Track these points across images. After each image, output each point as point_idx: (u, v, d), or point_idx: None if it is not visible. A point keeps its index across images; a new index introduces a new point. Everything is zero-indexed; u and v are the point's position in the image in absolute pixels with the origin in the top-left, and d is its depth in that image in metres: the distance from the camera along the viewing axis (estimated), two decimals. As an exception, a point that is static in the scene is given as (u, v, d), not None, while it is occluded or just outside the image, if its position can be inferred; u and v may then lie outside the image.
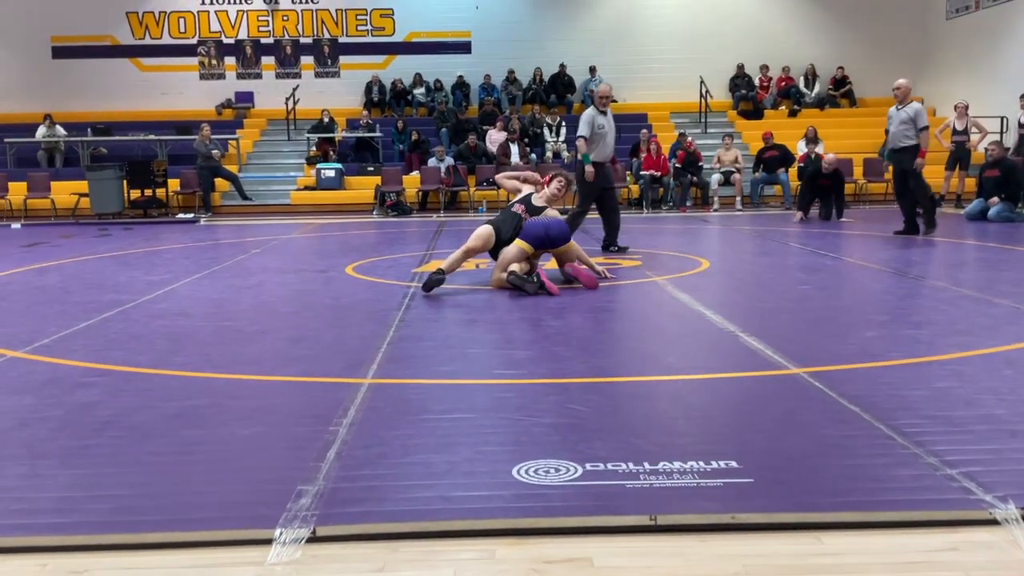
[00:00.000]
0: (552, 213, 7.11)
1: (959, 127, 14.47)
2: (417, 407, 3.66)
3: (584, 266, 6.95)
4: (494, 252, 6.92)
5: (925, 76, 19.37)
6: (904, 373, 4.13)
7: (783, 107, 19.13)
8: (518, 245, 6.75)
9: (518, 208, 7.06)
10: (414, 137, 17.22)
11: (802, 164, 14.17)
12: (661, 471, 2.87)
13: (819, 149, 15.47)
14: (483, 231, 6.86)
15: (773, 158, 15.18)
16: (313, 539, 2.47)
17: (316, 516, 2.57)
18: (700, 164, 15.66)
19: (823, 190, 12.56)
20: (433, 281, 6.50)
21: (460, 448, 3.14)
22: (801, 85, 19.24)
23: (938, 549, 2.41)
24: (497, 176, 7.65)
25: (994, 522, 2.53)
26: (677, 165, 15.57)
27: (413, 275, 7.63)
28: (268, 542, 2.45)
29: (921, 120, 9.96)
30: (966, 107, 14.54)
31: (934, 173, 14.52)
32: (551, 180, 7.20)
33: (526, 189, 7.24)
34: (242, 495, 2.75)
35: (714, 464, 2.92)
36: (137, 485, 2.85)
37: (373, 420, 3.48)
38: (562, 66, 19.11)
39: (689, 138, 16.11)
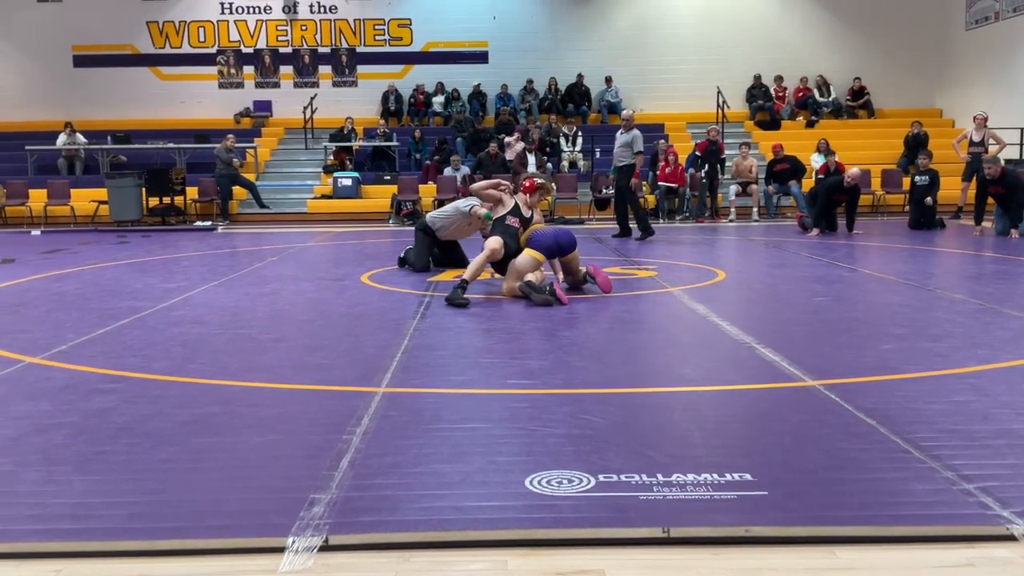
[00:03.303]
0: (539, 219, 7.33)
1: (976, 138, 14.33)
2: (431, 416, 3.66)
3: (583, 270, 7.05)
4: (502, 264, 6.96)
5: (944, 87, 19.29)
6: (921, 386, 4.10)
7: (800, 117, 19.08)
8: (530, 255, 6.79)
9: (512, 221, 7.14)
10: (437, 146, 17.30)
11: (822, 176, 14.06)
12: (674, 483, 2.85)
13: (835, 159, 15.43)
14: (496, 241, 6.90)
15: (784, 171, 15.09)
16: (325, 548, 2.47)
17: (329, 525, 2.57)
18: (722, 157, 15.50)
19: (838, 204, 12.39)
20: (459, 303, 6.42)
21: (473, 458, 3.14)
22: (817, 95, 19.19)
23: (954, 565, 2.39)
24: (473, 187, 7.65)
25: (1012, 538, 2.50)
26: (698, 154, 15.46)
27: (428, 284, 7.65)
28: (281, 550, 2.45)
29: (636, 145, 11.54)
30: (985, 119, 14.42)
31: (951, 184, 14.47)
32: (533, 186, 7.34)
33: (507, 199, 7.28)
34: (255, 503, 2.76)
35: (728, 477, 2.91)
36: (151, 492, 2.87)
37: (387, 429, 3.49)
38: (579, 76, 19.16)
39: (715, 127, 15.94)
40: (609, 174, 13.54)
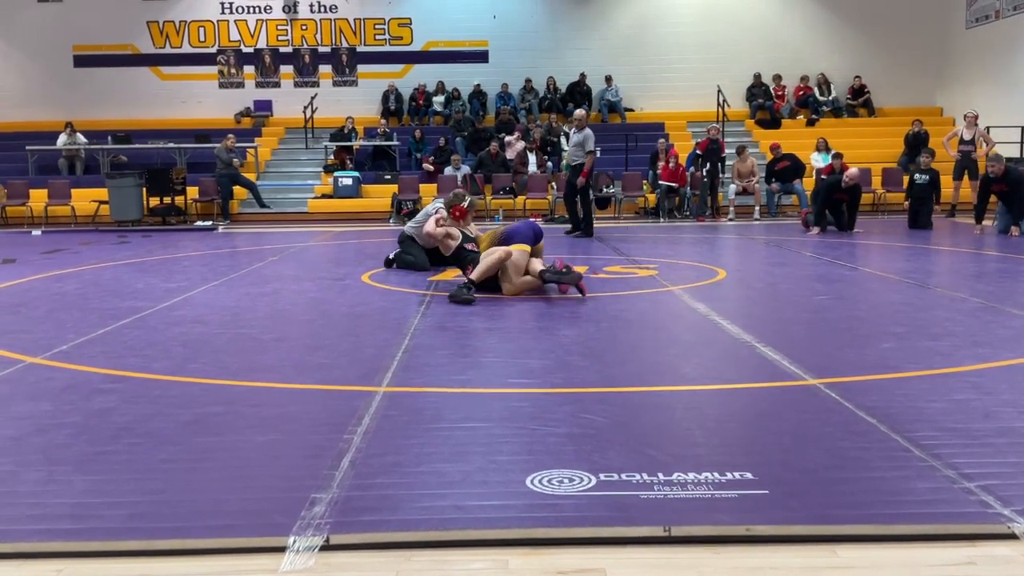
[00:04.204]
0: (476, 231, 7.93)
1: (967, 136, 14.37)
2: (431, 416, 3.66)
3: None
4: (487, 285, 6.92)
5: (944, 85, 19.28)
6: (922, 385, 4.10)
7: (801, 116, 19.07)
8: (519, 248, 6.81)
9: (472, 246, 7.55)
10: (437, 149, 17.29)
11: (825, 176, 14.04)
12: (675, 482, 2.85)
13: (819, 158, 15.47)
14: (504, 250, 6.86)
15: (786, 169, 15.06)
16: (326, 547, 2.47)
17: (330, 524, 2.57)
18: (723, 156, 15.50)
19: (839, 203, 12.37)
20: (464, 300, 6.46)
21: (474, 457, 3.14)
22: (818, 94, 19.18)
23: (955, 563, 2.39)
24: (426, 233, 8.13)
25: (1013, 536, 2.50)
26: (698, 152, 15.45)
27: (429, 283, 7.65)
28: (282, 550, 2.46)
29: (588, 145, 11.84)
30: (975, 117, 14.50)
31: (944, 183, 14.49)
32: (464, 212, 7.99)
33: (454, 231, 7.66)
34: (256, 503, 2.76)
35: (729, 476, 2.91)
36: (152, 492, 2.87)
37: (387, 429, 3.49)
38: (582, 75, 19.15)
39: (715, 126, 15.96)
40: (561, 171, 13.92)
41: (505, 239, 6.96)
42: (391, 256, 8.87)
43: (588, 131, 12.00)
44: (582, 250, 10.28)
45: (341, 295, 7.21)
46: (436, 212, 8.20)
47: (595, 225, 12.17)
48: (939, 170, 13.34)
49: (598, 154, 17.39)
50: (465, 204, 7.94)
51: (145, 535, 2.55)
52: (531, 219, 7.90)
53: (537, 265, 6.80)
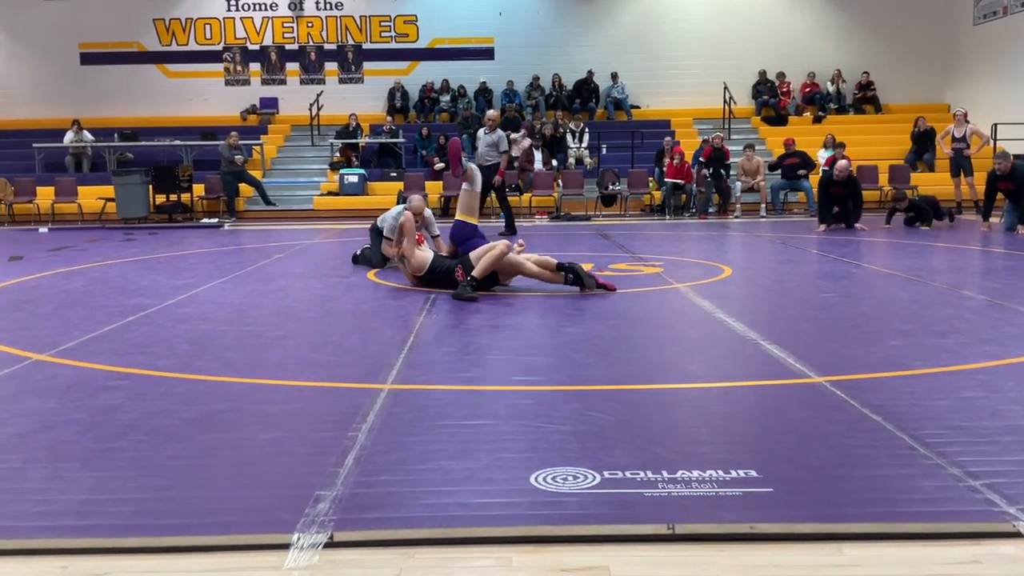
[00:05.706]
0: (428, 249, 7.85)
1: (958, 134, 14.38)
2: (436, 413, 3.66)
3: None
4: (488, 282, 6.87)
5: (951, 82, 19.22)
6: (928, 383, 4.08)
7: (808, 113, 19.03)
8: (494, 248, 6.78)
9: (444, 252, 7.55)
10: (438, 147, 17.28)
11: (827, 168, 14.01)
12: (680, 480, 2.85)
13: (826, 155, 15.43)
14: (505, 244, 6.83)
15: (793, 165, 15.04)
16: (331, 544, 2.47)
17: (334, 521, 2.57)
18: (727, 163, 15.50)
19: (838, 198, 12.32)
20: (467, 297, 6.47)
21: (478, 455, 3.14)
22: (830, 86, 19.14)
23: (960, 562, 2.38)
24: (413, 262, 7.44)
25: (1018, 535, 2.49)
26: (702, 159, 15.43)
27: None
28: (286, 547, 2.45)
29: (502, 145, 12.12)
30: (965, 114, 14.56)
31: (943, 180, 14.52)
32: (421, 239, 7.95)
33: (420, 254, 7.30)
34: (261, 500, 2.76)
35: (733, 473, 2.90)
36: (158, 489, 2.87)
37: (392, 426, 3.49)
38: (589, 72, 19.13)
39: (719, 134, 15.94)
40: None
41: (469, 249, 7.06)
42: (358, 252, 8.88)
43: (501, 132, 12.33)
44: (588, 247, 10.27)
45: (347, 292, 7.22)
46: (402, 216, 7.60)
47: (601, 221, 12.16)
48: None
49: (604, 151, 17.48)
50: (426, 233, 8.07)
51: (150, 532, 2.55)
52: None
53: (534, 264, 6.76)
